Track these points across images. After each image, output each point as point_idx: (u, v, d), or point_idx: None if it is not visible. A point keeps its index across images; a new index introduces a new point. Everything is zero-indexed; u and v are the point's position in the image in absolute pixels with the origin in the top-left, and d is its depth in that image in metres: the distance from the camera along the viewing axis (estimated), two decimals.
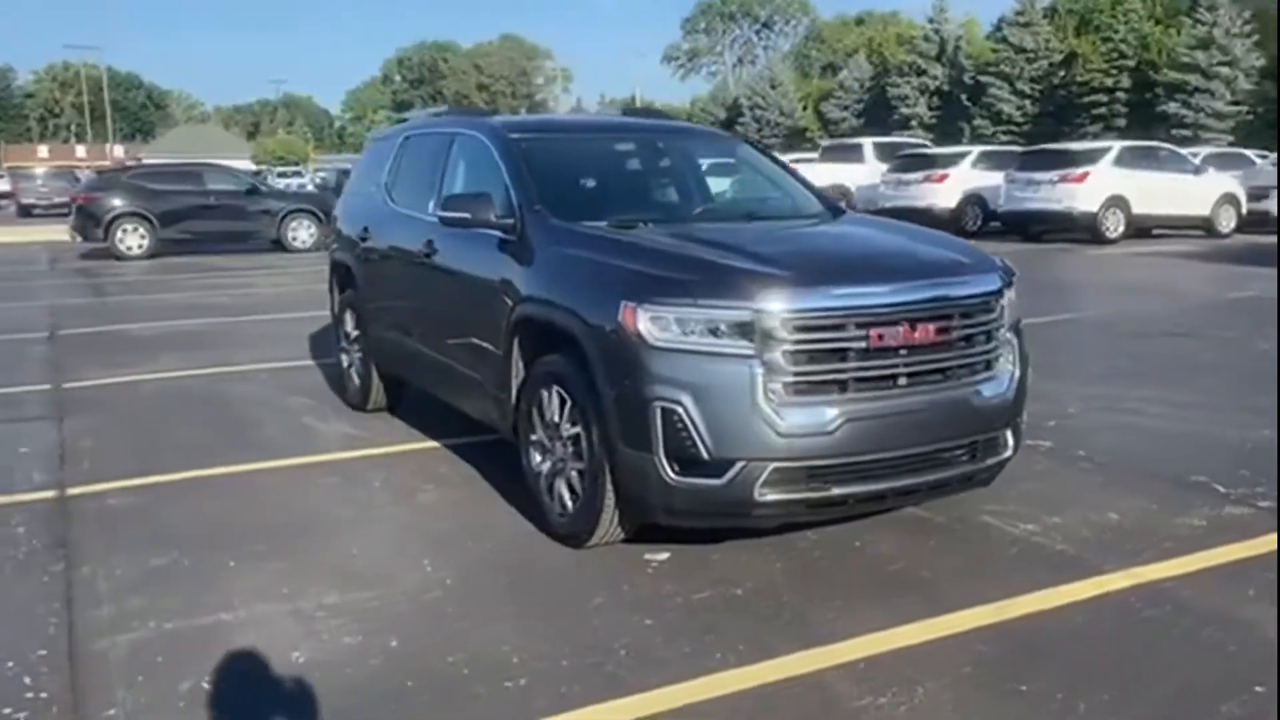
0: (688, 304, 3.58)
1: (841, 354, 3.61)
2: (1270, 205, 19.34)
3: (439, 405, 6.24)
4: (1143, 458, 5.25)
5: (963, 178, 20.62)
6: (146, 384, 7.51)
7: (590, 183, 5.06)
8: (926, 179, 20.30)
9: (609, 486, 3.82)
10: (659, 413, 3.57)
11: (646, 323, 3.60)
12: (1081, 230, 17.94)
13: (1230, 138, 37.86)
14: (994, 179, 19.65)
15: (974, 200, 20.30)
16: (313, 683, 3.08)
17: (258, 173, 32.04)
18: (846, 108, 55.55)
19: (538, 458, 4.29)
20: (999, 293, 3.99)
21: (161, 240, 18.94)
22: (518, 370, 4.42)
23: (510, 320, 4.35)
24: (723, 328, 3.56)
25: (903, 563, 3.91)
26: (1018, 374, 4.07)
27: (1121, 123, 42.78)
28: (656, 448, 3.59)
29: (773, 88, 61.56)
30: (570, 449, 4.03)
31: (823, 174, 20.59)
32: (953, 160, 21.10)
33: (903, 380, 3.72)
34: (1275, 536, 4.05)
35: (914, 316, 3.71)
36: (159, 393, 7.23)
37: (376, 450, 5.59)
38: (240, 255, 19.00)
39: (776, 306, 3.54)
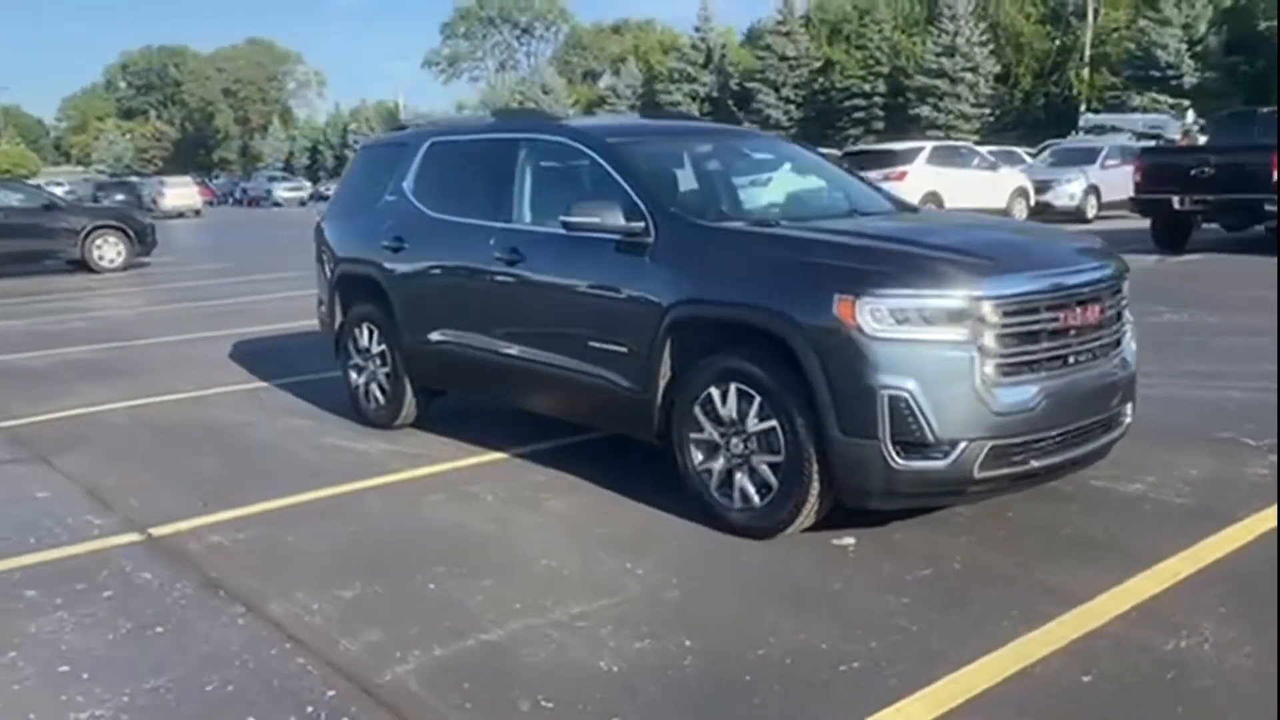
0: (906, 294, 3.78)
1: (1037, 335, 3.93)
2: (1051, 197, 21.50)
3: (469, 417, 6.17)
4: (1161, 421, 5.82)
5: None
6: (104, 416, 6.89)
7: (705, 183, 5.14)
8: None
9: (815, 476, 3.96)
10: (886, 400, 3.75)
11: (866, 314, 3.77)
12: None
13: (976, 137, 41.53)
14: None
15: None
16: (652, 688, 3.07)
17: None
18: (620, 113, 56.68)
19: (699, 456, 4.36)
20: (1124, 275, 4.42)
21: None
22: (665, 371, 4.47)
23: (663, 322, 4.38)
24: (937, 315, 3.78)
25: (1069, 527, 4.26)
26: (1134, 348, 4.52)
27: (880, 125, 46.02)
28: (883, 434, 3.77)
29: (544, 93, 62.04)
30: (756, 444, 4.13)
31: None
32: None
33: (1072, 359, 4.08)
34: None
35: (1082, 298, 4.08)
36: (132, 425, 6.66)
37: (448, 465, 5.43)
38: (42, 278, 17.43)
39: (987, 292, 3.81)
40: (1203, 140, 26.91)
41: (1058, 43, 45.02)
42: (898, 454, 3.78)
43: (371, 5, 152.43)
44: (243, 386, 7.71)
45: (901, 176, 18.93)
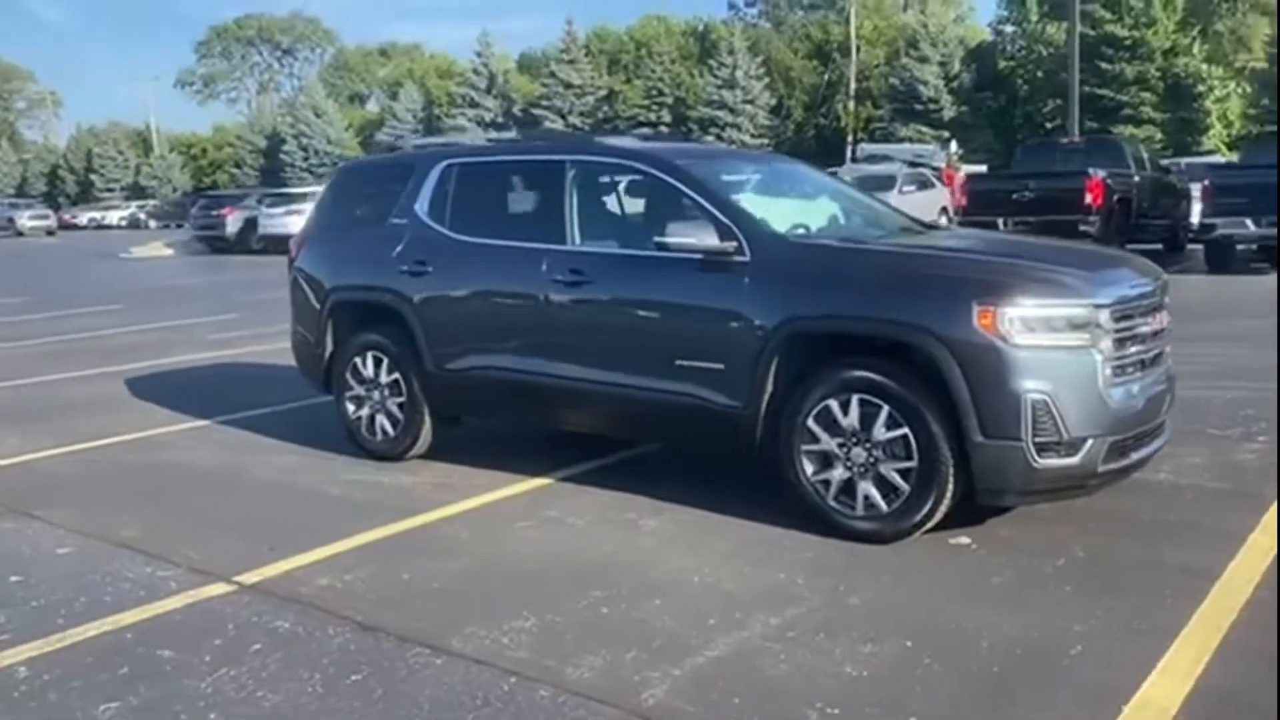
0: (1039, 304, 4.09)
1: (1131, 339, 4.33)
2: None
3: (473, 445, 6.03)
4: None
5: None
6: (47, 464, 6.24)
7: (773, 203, 5.26)
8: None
9: (951, 478, 4.19)
10: (1029, 404, 4.02)
11: (1006, 324, 4.04)
12: None
13: None
14: None
15: None
16: (917, 687, 3.18)
17: None
18: (401, 137, 55.65)
19: (812, 467, 4.48)
20: (1167, 287, 4.91)
21: None
22: (768, 386, 4.57)
23: (772, 338, 4.49)
24: (1064, 322, 4.11)
25: (1143, 514, 4.66)
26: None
27: None
28: (1025, 435, 4.04)
29: (316, 115, 60.01)
30: (883, 451, 4.30)
31: None
32: (304, 198, 25.48)
33: (1149, 360, 4.51)
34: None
35: (1154, 305, 4.53)
36: (92, 472, 6.07)
37: (501, 494, 5.27)
38: None
39: (1102, 300, 4.18)
40: (964, 170, 29.50)
41: (826, 78, 47.98)
42: (1037, 453, 4.06)
43: (112, 23, 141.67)
44: (184, 426, 7.15)
45: None
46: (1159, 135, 36.64)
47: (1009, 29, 46.60)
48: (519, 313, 5.35)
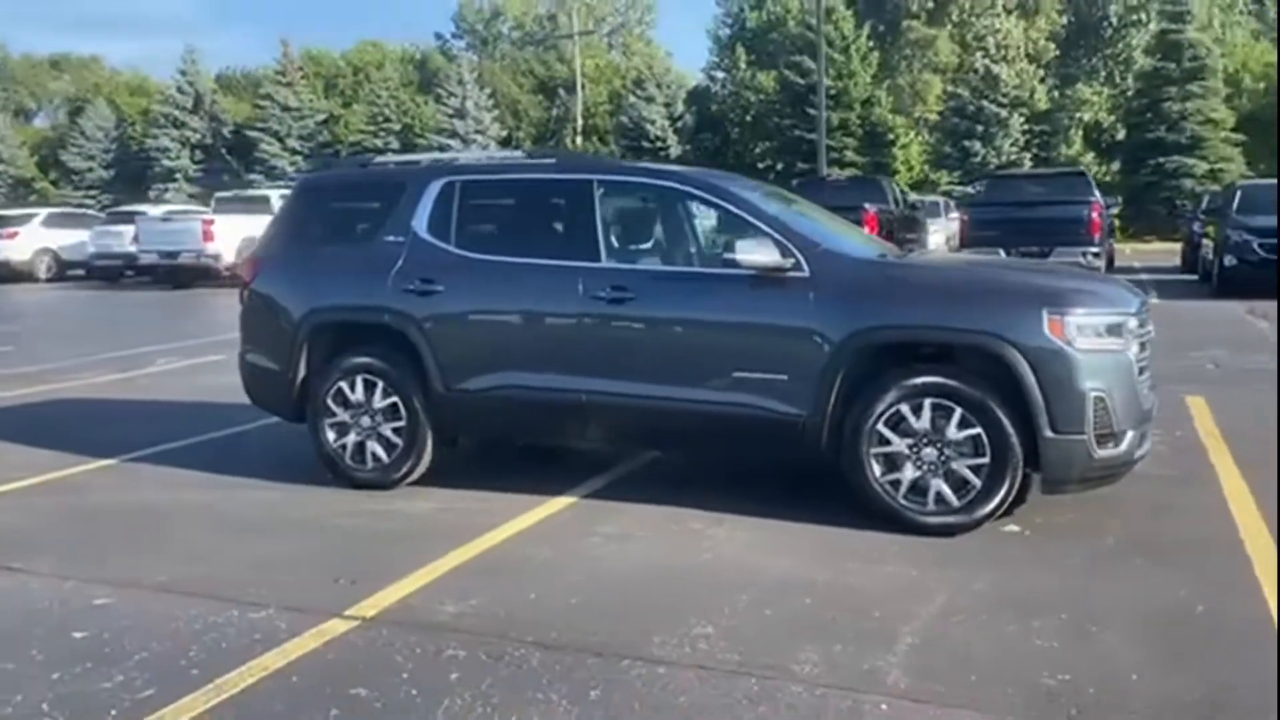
0: (1094, 312, 4.66)
1: (1145, 344, 4.98)
2: None
3: (465, 467, 5.91)
4: None
5: (34, 234, 25.69)
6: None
7: (804, 222, 5.48)
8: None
9: (1019, 471, 4.64)
10: (1092, 400, 4.55)
11: (1071, 330, 4.56)
12: None
13: None
14: (66, 236, 25.61)
15: (47, 253, 25.73)
16: (1112, 651, 3.55)
17: None
18: (93, 157, 51.09)
19: (879, 469, 4.80)
20: None
21: None
22: (832, 395, 4.84)
23: (842, 349, 4.76)
24: (1109, 328, 4.69)
25: (1135, 499, 5.28)
26: None
27: None
28: (1088, 429, 4.56)
29: None
30: (955, 449, 4.68)
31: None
32: (24, 219, 26.29)
33: (1147, 364, 5.18)
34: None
35: (1149, 315, 5.22)
36: (45, 519, 5.39)
37: (536, 515, 5.15)
38: None
39: (1133, 309, 4.80)
40: None
41: (554, 113, 48.93)
42: (1096, 444, 4.59)
43: None
44: (90, 466, 6.40)
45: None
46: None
47: (720, 75, 49.58)
48: (551, 329, 5.31)
